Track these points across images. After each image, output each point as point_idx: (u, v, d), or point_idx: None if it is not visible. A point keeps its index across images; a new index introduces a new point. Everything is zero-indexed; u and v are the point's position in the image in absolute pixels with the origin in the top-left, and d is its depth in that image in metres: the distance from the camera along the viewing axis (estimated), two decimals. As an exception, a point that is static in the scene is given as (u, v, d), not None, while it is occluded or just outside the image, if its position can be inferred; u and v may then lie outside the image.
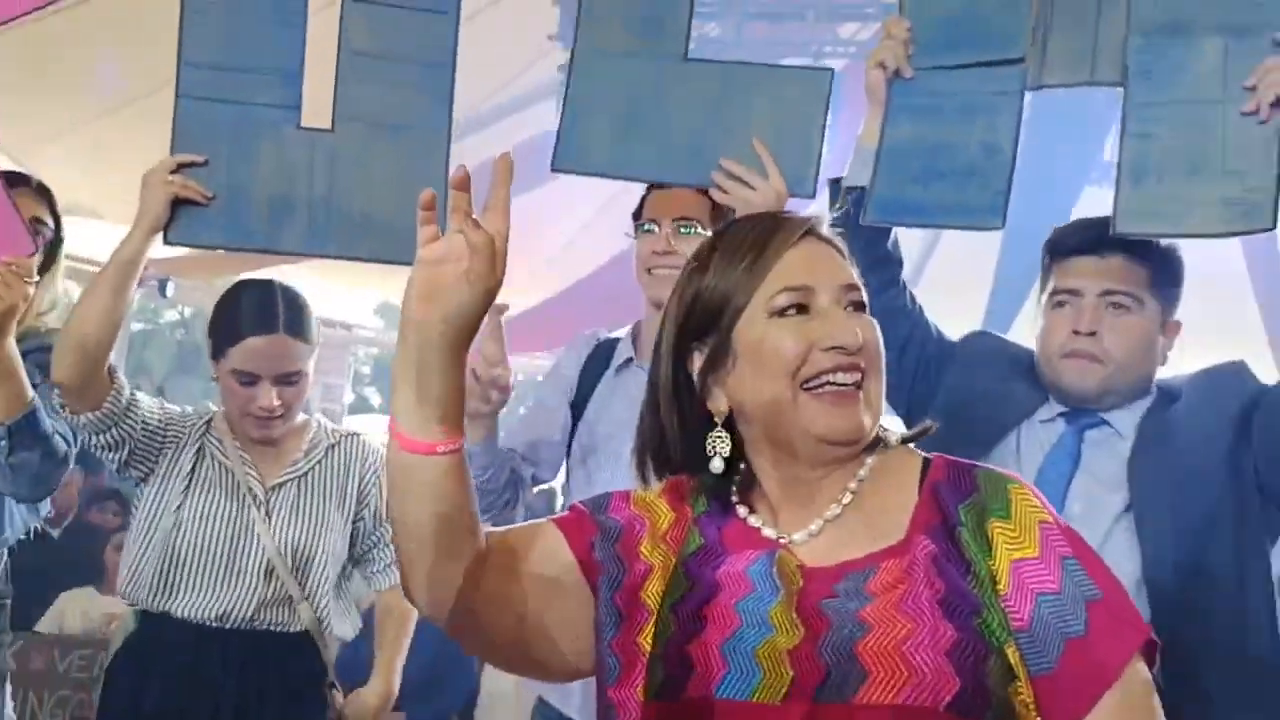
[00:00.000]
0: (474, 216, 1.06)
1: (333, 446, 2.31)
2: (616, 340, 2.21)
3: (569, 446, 2.16)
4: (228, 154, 1.95)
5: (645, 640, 1.13)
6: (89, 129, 5.23)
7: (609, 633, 1.15)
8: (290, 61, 1.97)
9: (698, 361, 1.17)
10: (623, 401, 2.02)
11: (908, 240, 2.04)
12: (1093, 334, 1.77)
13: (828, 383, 1.12)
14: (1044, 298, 1.87)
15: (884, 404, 1.16)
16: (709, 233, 1.93)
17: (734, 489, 1.20)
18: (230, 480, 2.23)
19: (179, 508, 2.19)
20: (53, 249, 2.33)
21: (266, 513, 2.21)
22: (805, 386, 1.12)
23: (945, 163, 1.88)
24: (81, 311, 2.00)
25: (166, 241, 1.97)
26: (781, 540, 1.15)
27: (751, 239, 1.16)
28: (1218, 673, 1.67)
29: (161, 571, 2.17)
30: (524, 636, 1.18)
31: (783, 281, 1.13)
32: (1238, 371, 1.83)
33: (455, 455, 1.09)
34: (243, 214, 1.96)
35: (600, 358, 2.18)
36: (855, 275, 1.17)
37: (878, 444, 1.17)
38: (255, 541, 2.19)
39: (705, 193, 2.00)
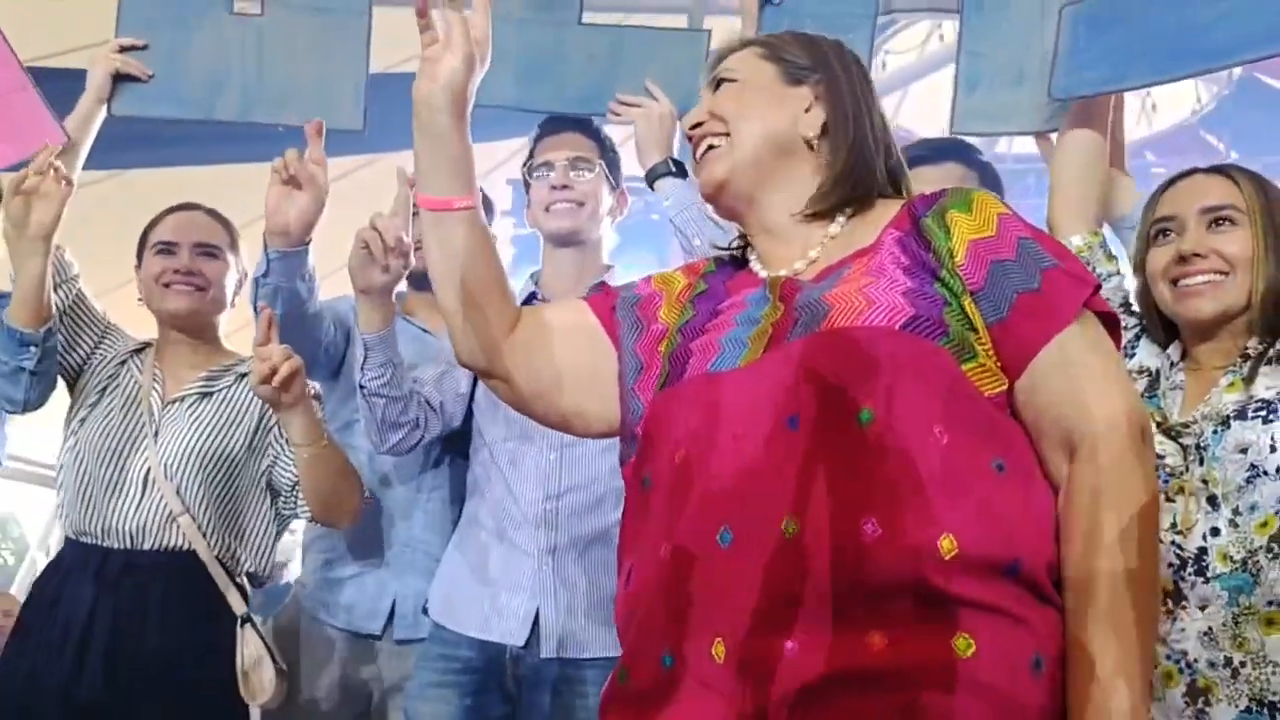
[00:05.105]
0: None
1: (245, 375, 2.18)
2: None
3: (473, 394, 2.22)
4: (169, 38, 2.18)
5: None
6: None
7: (631, 378, 1.32)
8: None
9: None
10: None
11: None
12: None
13: (699, 153, 1.34)
14: None
15: (760, 145, 1.30)
16: (602, 172, 2.18)
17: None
18: (135, 395, 2.18)
19: (81, 424, 2.17)
20: None
21: (156, 429, 2.15)
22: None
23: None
24: None
25: (111, 112, 2.18)
26: (773, 274, 1.30)
27: None
28: None
29: (66, 492, 2.14)
30: (558, 384, 1.35)
31: None
32: None
33: (471, 211, 1.31)
34: (181, 88, 2.18)
35: None
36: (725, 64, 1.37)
37: (856, 200, 1.31)
38: (140, 453, 2.13)
39: (590, 136, 2.22)
